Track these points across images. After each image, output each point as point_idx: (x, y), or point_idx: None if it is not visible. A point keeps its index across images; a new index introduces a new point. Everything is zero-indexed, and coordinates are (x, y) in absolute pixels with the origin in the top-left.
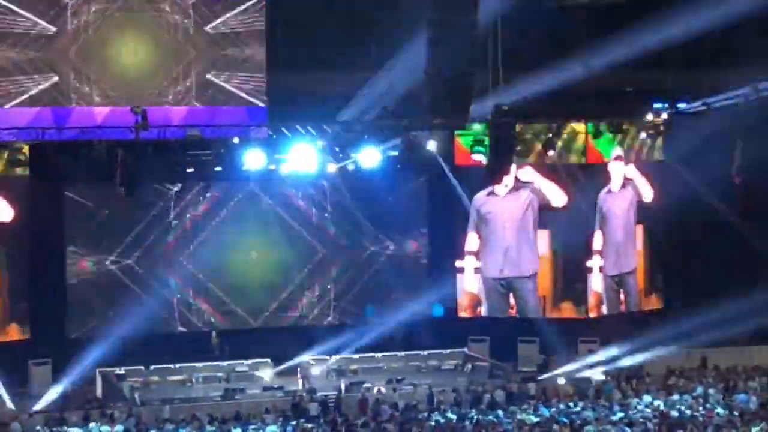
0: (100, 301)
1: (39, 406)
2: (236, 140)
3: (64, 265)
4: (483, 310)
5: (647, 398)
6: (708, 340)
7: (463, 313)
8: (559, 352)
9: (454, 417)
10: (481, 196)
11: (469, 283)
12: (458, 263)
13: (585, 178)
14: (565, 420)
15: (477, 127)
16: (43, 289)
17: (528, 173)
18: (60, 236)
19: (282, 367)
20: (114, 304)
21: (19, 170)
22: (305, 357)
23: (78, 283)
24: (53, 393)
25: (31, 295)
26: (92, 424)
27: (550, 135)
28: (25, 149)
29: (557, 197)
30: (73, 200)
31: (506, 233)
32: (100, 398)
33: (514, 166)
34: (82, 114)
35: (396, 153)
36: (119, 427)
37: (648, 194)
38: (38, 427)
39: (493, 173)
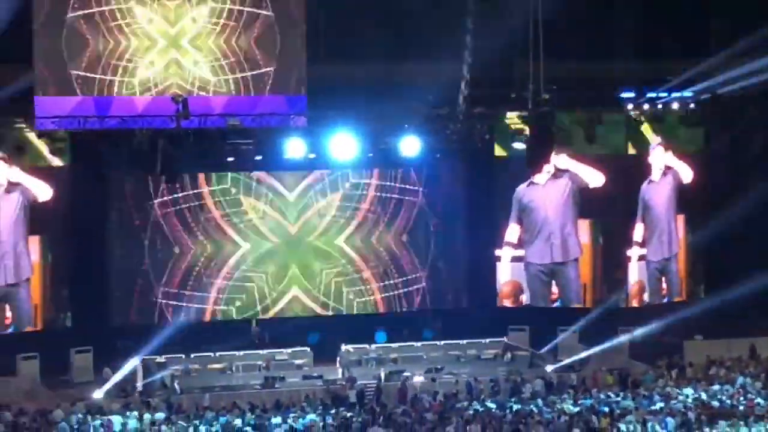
0: (141, 289)
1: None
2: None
3: (105, 253)
4: (524, 299)
5: (688, 389)
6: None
7: (505, 302)
8: (599, 341)
9: (493, 406)
10: (522, 187)
11: (509, 272)
12: (498, 252)
13: (625, 167)
14: (605, 409)
15: (517, 116)
16: (84, 277)
17: (564, 161)
18: (102, 224)
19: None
20: (156, 292)
21: (61, 159)
22: (345, 346)
23: (120, 271)
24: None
25: (73, 283)
26: (133, 413)
27: (591, 124)
28: (67, 138)
29: (594, 178)
30: (115, 188)
31: (548, 221)
32: (141, 386)
33: (553, 155)
34: (124, 103)
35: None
36: (159, 415)
37: (688, 177)
38: (80, 415)
39: (533, 162)
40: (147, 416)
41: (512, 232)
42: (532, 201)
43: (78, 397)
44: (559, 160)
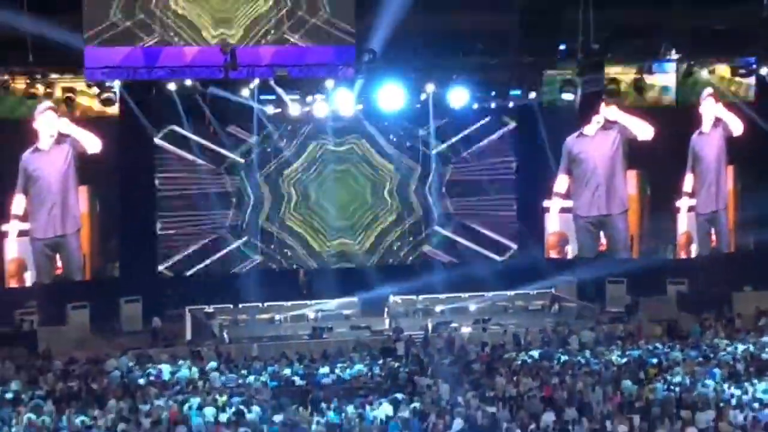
0: (190, 239)
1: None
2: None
3: (153, 202)
4: (571, 250)
5: (736, 340)
6: None
7: (551, 253)
8: (646, 292)
9: (540, 357)
10: (571, 139)
11: (557, 223)
12: (546, 203)
13: (675, 118)
14: (653, 361)
15: (566, 66)
16: (133, 227)
17: (613, 112)
18: (149, 174)
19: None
20: (203, 242)
21: (110, 110)
22: (393, 296)
23: (168, 221)
24: None
25: (121, 233)
26: (181, 362)
27: (641, 74)
28: (116, 88)
29: (643, 130)
30: (163, 138)
31: (597, 172)
32: (190, 336)
33: (603, 106)
34: (172, 53)
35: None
36: (211, 364)
37: (738, 129)
38: (130, 364)
39: (583, 113)
40: (197, 365)
41: (561, 182)
42: (581, 152)
43: (127, 346)
44: (609, 111)
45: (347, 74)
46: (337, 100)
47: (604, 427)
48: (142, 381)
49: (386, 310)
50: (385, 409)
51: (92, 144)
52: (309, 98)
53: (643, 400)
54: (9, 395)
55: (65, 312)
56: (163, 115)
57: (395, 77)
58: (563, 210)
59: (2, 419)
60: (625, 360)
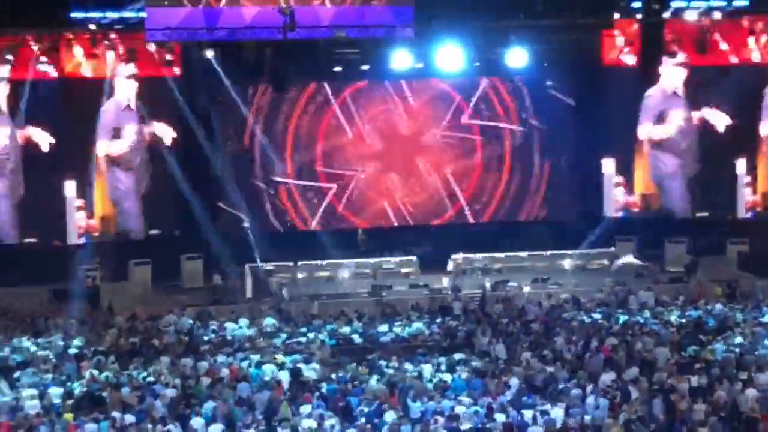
0: (248, 197)
1: None
2: None
3: (213, 161)
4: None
5: None
6: None
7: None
8: (707, 252)
9: (600, 317)
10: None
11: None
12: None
13: (737, 79)
14: (713, 321)
15: (625, 26)
16: (193, 186)
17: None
18: (210, 134)
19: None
20: (262, 200)
21: (171, 70)
22: (453, 255)
23: (228, 179)
24: None
25: (182, 191)
26: (241, 320)
27: (702, 33)
28: (177, 49)
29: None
30: (223, 98)
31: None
32: (250, 293)
33: (664, 67)
34: (232, 14)
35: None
36: (269, 320)
37: None
38: (190, 321)
39: (644, 72)
40: (257, 323)
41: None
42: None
43: (188, 303)
44: (669, 70)
45: (405, 34)
46: (396, 60)
47: (663, 387)
48: (203, 338)
49: (446, 268)
50: (427, 370)
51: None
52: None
53: (702, 360)
54: (72, 350)
55: (128, 268)
56: (223, 75)
57: (454, 38)
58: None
59: (66, 374)
60: (684, 320)
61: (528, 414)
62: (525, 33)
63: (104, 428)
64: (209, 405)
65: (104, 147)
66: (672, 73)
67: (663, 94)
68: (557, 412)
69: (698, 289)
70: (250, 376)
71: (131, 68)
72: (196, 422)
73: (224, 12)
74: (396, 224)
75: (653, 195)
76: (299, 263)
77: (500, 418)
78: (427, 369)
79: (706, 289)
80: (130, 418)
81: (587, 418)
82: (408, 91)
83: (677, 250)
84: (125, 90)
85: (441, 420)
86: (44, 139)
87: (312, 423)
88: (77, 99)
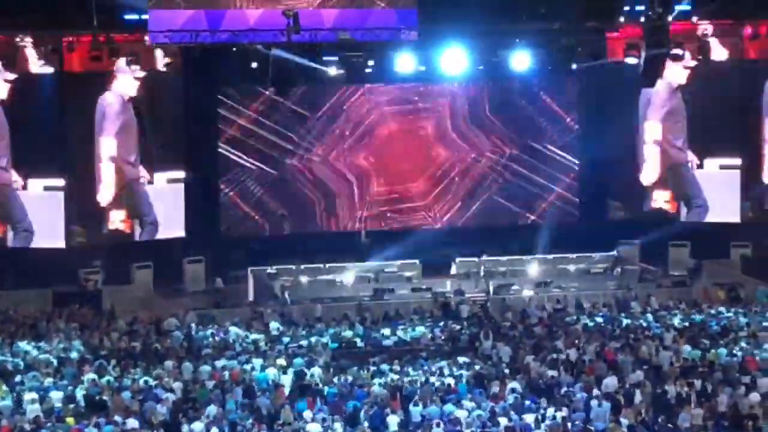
0: (253, 200)
1: None
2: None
3: (216, 164)
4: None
5: None
6: None
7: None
8: (710, 256)
9: (602, 321)
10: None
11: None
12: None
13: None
14: (716, 325)
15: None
16: (196, 188)
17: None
18: (214, 136)
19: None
20: (267, 203)
21: (174, 72)
22: (454, 258)
23: (231, 182)
24: None
25: (185, 194)
26: (243, 323)
27: (705, 37)
28: (179, 51)
29: None
30: (226, 101)
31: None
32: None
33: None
34: (235, 16)
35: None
36: (273, 324)
37: None
38: (192, 324)
39: (647, 76)
40: (259, 326)
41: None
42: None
43: (190, 307)
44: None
45: (410, 37)
46: (400, 62)
47: (666, 391)
48: (204, 341)
49: (448, 272)
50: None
51: None
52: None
53: (705, 364)
54: (73, 354)
55: (130, 271)
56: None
57: (458, 41)
58: None
59: (67, 378)
60: (687, 324)
61: (530, 418)
62: (528, 36)
63: None
64: (211, 409)
65: (109, 145)
66: (675, 71)
67: (669, 89)
68: (560, 416)
69: (701, 293)
70: (252, 381)
71: (134, 70)
72: (197, 426)
73: (227, 14)
74: (399, 227)
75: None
76: (302, 266)
77: (503, 422)
78: (429, 373)
79: (709, 293)
80: (132, 423)
81: (590, 422)
82: (411, 93)
83: (680, 254)
84: (128, 90)
85: (443, 424)
86: None
87: (317, 427)
88: (79, 98)
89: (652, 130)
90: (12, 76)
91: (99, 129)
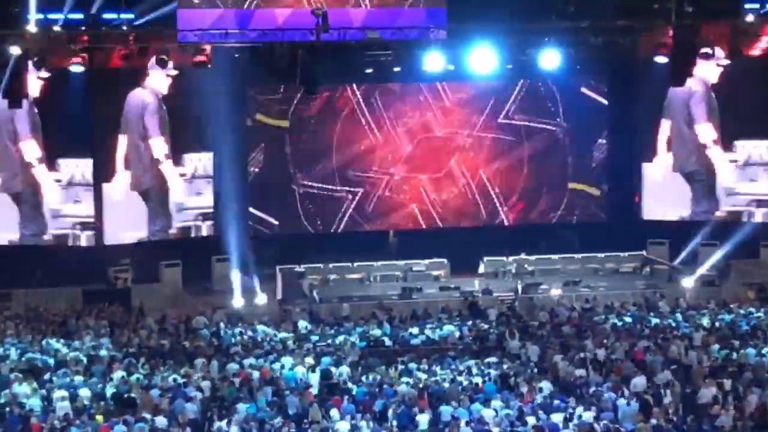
0: (280, 200)
1: None
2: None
3: (246, 163)
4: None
5: None
6: None
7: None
8: (740, 255)
9: (631, 320)
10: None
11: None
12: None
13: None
14: (745, 325)
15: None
16: (225, 187)
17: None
18: (243, 136)
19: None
20: (294, 202)
21: (203, 71)
22: (483, 258)
23: (259, 182)
24: None
25: (215, 193)
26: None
27: (735, 36)
28: (208, 50)
29: None
30: (255, 99)
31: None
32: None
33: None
34: (264, 16)
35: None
36: (302, 323)
37: None
38: (221, 324)
39: (676, 75)
40: (287, 325)
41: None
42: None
43: (218, 305)
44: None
45: (438, 36)
46: (428, 61)
47: (695, 391)
48: (233, 340)
49: (477, 270)
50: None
51: None
52: None
53: (734, 364)
54: (103, 352)
55: (158, 270)
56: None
57: (486, 40)
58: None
59: (96, 376)
60: (716, 324)
61: (559, 417)
62: (558, 35)
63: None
64: (241, 407)
65: (160, 145)
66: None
67: (705, 88)
68: (588, 416)
69: (731, 292)
70: (281, 379)
71: (167, 68)
72: (226, 425)
73: (256, 14)
74: (425, 227)
75: None
76: (330, 265)
77: (531, 421)
78: (457, 372)
79: (738, 292)
80: (160, 421)
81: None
82: (441, 93)
83: (710, 253)
84: (161, 87)
85: (471, 423)
86: None
87: (345, 426)
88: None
89: (705, 132)
90: (45, 74)
91: (140, 128)
